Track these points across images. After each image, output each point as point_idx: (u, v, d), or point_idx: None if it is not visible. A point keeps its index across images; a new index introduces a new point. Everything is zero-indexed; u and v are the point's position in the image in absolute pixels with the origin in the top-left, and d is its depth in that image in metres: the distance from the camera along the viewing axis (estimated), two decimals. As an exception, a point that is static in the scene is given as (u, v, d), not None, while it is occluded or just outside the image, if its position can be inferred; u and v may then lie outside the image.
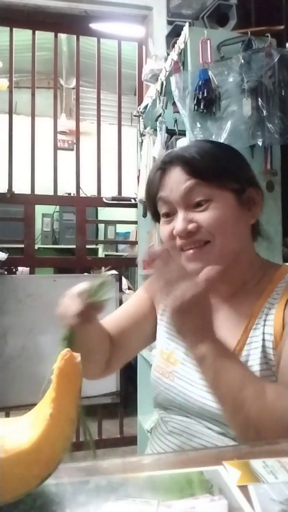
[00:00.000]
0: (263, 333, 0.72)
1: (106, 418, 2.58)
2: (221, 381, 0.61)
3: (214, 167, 0.73)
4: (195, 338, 0.63)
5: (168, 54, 1.77)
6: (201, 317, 0.63)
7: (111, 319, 0.92)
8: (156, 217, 0.83)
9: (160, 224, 0.81)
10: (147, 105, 2.19)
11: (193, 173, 0.73)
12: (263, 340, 0.71)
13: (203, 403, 0.73)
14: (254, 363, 0.71)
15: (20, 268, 2.72)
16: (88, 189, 3.07)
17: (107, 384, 2.37)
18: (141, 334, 0.92)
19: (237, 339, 0.74)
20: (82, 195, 2.92)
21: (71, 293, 0.75)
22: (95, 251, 4.06)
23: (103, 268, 2.55)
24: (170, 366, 0.82)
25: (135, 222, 2.81)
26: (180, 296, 0.61)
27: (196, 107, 1.39)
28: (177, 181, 0.74)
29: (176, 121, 1.76)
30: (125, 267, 3.02)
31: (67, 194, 3.12)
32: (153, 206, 0.81)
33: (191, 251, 0.74)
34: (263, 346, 0.71)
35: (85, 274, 2.67)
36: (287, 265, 0.81)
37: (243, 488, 0.40)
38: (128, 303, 0.96)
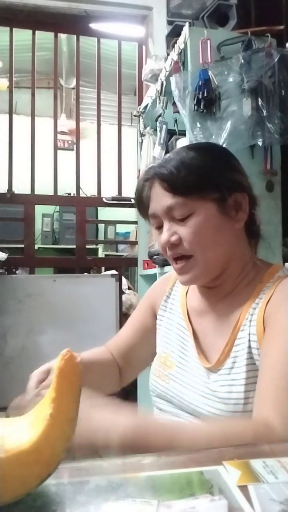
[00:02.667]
0: (249, 334, 0.72)
1: (106, 418, 2.57)
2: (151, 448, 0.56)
3: (193, 181, 0.73)
4: (94, 440, 0.56)
5: (168, 54, 1.77)
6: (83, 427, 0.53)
7: (119, 338, 0.98)
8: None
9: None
10: (147, 105, 2.19)
11: (171, 190, 0.73)
12: (249, 341, 0.71)
13: (196, 406, 0.74)
14: (241, 365, 0.71)
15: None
16: (88, 189, 3.07)
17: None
18: (149, 347, 0.94)
19: (225, 341, 0.74)
20: (82, 195, 2.92)
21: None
22: (95, 251, 4.06)
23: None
24: (167, 369, 0.83)
25: (135, 222, 2.81)
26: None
27: (196, 107, 1.39)
28: (159, 197, 0.76)
29: (176, 121, 1.76)
30: (125, 267, 3.02)
31: (67, 194, 3.12)
32: (147, 219, 0.83)
33: (179, 264, 0.76)
34: (249, 347, 0.71)
35: (85, 274, 2.67)
36: (279, 264, 0.81)
37: (243, 488, 0.40)
38: (133, 319, 1.00)
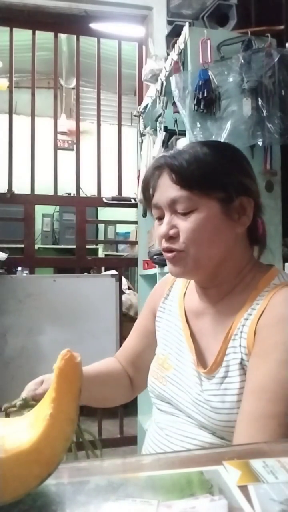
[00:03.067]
0: (240, 346, 0.71)
1: (106, 418, 2.58)
2: None
3: (201, 177, 0.72)
4: None
5: (168, 54, 1.77)
6: None
7: (126, 347, 1.00)
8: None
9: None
10: (147, 105, 2.19)
11: (178, 182, 0.73)
12: (241, 353, 0.71)
13: (192, 411, 0.74)
14: (234, 375, 0.70)
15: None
16: (88, 189, 3.07)
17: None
18: (155, 350, 0.94)
19: (218, 349, 0.74)
20: (82, 195, 2.92)
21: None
22: (95, 251, 4.06)
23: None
24: (164, 371, 0.83)
25: (135, 222, 2.81)
26: None
27: (196, 107, 1.39)
28: (165, 188, 0.75)
29: (176, 121, 1.76)
30: (125, 267, 3.02)
31: (67, 194, 3.12)
32: (149, 208, 0.83)
33: (168, 254, 0.76)
34: (241, 359, 0.70)
35: (85, 274, 2.67)
36: (275, 269, 0.79)
37: (243, 488, 0.40)
38: (137, 325, 1.01)
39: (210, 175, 0.73)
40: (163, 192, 0.76)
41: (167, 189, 0.74)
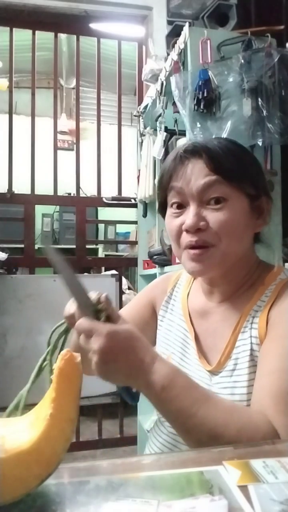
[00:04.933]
0: (251, 337, 0.71)
1: (106, 418, 2.58)
2: (167, 411, 0.61)
3: (237, 167, 0.71)
4: (129, 380, 0.63)
5: (168, 54, 1.77)
6: (124, 361, 0.60)
7: None
8: (163, 209, 0.80)
9: (167, 216, 0.78)
10: (147, 105, 2.19)
11: (215, 169, 0.70)
12: (251, 343, 0.71)
13: None
14: (243, 367, 0.70)
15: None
16: (88, 189, 3.06)
17: (107, 384, 2.36)
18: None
19: (226, 343, 0.74)
20: (82, 195, 2.92)
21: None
22: (95, 251, 4.06)
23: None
24: None
25: (135, 222, 2.81)
26: (92, 352, 0.59)
27: (196, 107, 1.39)
28: (196, 174, 0.71)
29: (176, 121, 1.76)
30: (125, 267, 3.02)
31: (67, 194, 3.12)
32: (164, 194, 0.78)
33: (195, 251, 0.72)
34: (251, 349, 0.71)
35: (85, 274, 2.67)
36: (280, 266, 0.81)
37: (243, 488, 0.40)
38: (131, 312, 0.95)
39: (244, 167, 0.73)
40: (191, 180, 0.71)
41: (199, 176, 0.70)
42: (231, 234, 0.71)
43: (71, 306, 0.69)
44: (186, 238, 0.72)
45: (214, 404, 0.60)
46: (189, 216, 0.71)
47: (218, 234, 0.70)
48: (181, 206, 0.74)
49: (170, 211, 0.76)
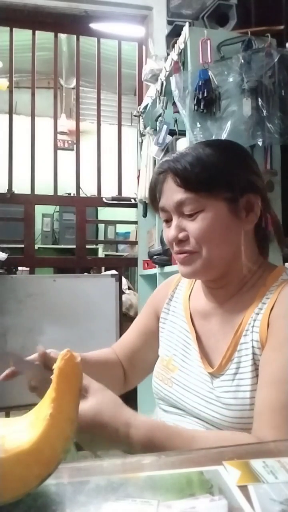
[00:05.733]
0: (252, 340, 0.71)
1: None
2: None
3: (206, 179, 0.72)
4: (112, 444, 0.61)
5: (168, 54, 1.77)
6: (100, 436, 0.59)
7: (124, 341, 0.99)
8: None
9: (163, 227, 0.83)
10: (147, 105, 2.19)
11: (183, 185, 0.73)
12: (253, 347, 0.71)
13: (200, 410, 0.74)
14: (245, 371, 0.70)
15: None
16: (88, 189, 3.06)
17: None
18: (154, 351, 0.93)
19: (227, 345, 0.74)
20: (82, 195, 2.92)
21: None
22: (95, 251, 4.06)
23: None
24: (169, 372, 0.82)
25: (135, 222, 2.81)
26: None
27: (196, 107, 1.40)
28: (170, 191, 0.75)
29: (176, 121, 1.76)
30: (125, 267, 3.02)
31: (67, 194, 3.12)
32: (157, 211, 0.83)
33: (181, 255, 0.76)
34: (253, 353, 0.71)
35: (85, 274, 2.67)
36: (282, 266, 0.80)
37: (243, 488, 0.40)
38: (137, 322, 1.00)
39: (215, 176, 0.73)
40: (169, 196, 0.76)
41: (173, 193, 0.75)
42: (210, 241, 0.73)
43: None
44: (175, 247, 0.77)
45: (201, 442, 0.61)
46: (171, 229, 0.76)
47: (198, 242, 0.74)
48: (169, 220, 0.79)
49: (163, 224, 0.82)
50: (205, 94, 1.37)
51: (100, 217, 3.86)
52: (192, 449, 0.58)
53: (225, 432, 0.68)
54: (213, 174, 0.73)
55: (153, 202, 0.83)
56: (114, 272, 2.67)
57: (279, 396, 0.63)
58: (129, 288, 3.30)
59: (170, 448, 0.59)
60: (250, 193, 0.75)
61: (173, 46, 1.65)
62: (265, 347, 0.69)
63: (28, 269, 2.55)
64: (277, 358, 0.66)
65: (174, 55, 1.64)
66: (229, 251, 0.75)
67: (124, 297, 2.76)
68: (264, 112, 1.36)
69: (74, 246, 2.66)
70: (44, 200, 2.65)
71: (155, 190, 0.80)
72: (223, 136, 1.36)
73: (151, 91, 2.09)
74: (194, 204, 0.73)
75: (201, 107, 1.38)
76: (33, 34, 2.57)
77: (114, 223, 3.96)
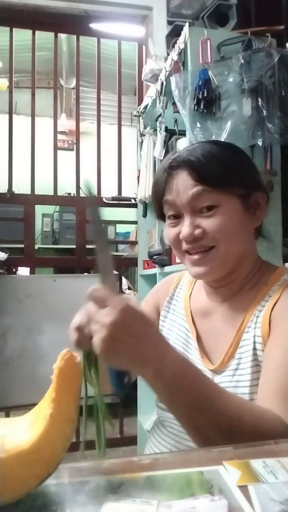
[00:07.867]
0: (254, 336, 0.72)
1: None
2: (177, 405, 0.57)
3: (221, 173, 0.72)
4: (136, 365, 0.55)
5: (168, 54, 1.77)
6: (135, 343, 0.52)
7: None
8: (162, 218, 0.83)
9: (166, 226, 0.81)
10: (147, 105, 2.19)
11: (200, 179, 0.72)
12: (254, 343, 0.71)
13: None
14: (246, 366, 0.71)
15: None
16: (88, 189, 3.06)
17: (107, 384, 2.36)
18: None
19: (229, 342, 0.74)
20: (82, 195, 2.92)
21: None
22: (95, 251, 4.05)
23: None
24: None
25: (135, 222, 2.81)
26: (101, 325, 0.52)
27: (196, 107, 1.39)
28: (184, 186, 0.73)
29: (176, 121, 1.76)
30: (125, 267, 3.02)
31: (67, 194, 3.12)
32: (159, 208, 0.81)
33: (196, 256, 0.74)
34: (254, 349, 0.71)
35: (85, 274, 2.67)
36: (284, 266, 0.81)
37: (243, 488, 0.40)
38: None
39: (231, 171, 0.73)
40: (181, 192, 0.74)
41: (187, 188, 0.73)
42: (228, 236, 0.73)
43: (78, 317, 0.60)
44: (185, 246, 0.75)
45: (228, 400, 0.58)
46: (184, 227, 0.74)
47: (216, 238, 0.72)
48: (177, 217, 0.76)
49: (167, 221, 0.79)
50: (205, 94, 1.37)
51: (100, 217, 3.85)
52: (216, 403, 0.56)
53: (250, 403, 0.65)
54: (228, 169, 0.73)
55: (157, 196, 0.80)
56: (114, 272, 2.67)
57: (285, 379, 0.63)
58: (129, 288, 3.31)
59: (197, 392, 0.56)
60: (258, 191, 0.77)
61: (173, 46, 1.65)
62: (269, 339, 0.69)
63: (28, 269, 2.55)
64: (281, 344, 0.67)
65: (174, 55, 1.64)
66: (242, 247, 0.76)
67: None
68: (264, 112, 1.36)
69: (74, 246, 2.66)
70: (44, 200, 2.65)
71: (161, 187, 0.77)
72: (223, 136, 1.36)
73: (151, 91, 2.09)
74: (211, 198, 0.72)
75: (201, 107, 1.38)
76: (33, 34, 2.57)
77: (114, 223, 3.96)
